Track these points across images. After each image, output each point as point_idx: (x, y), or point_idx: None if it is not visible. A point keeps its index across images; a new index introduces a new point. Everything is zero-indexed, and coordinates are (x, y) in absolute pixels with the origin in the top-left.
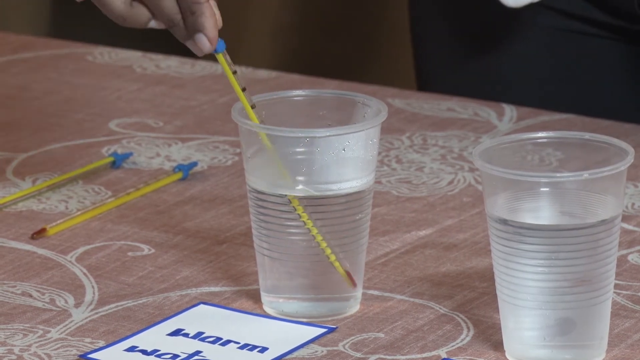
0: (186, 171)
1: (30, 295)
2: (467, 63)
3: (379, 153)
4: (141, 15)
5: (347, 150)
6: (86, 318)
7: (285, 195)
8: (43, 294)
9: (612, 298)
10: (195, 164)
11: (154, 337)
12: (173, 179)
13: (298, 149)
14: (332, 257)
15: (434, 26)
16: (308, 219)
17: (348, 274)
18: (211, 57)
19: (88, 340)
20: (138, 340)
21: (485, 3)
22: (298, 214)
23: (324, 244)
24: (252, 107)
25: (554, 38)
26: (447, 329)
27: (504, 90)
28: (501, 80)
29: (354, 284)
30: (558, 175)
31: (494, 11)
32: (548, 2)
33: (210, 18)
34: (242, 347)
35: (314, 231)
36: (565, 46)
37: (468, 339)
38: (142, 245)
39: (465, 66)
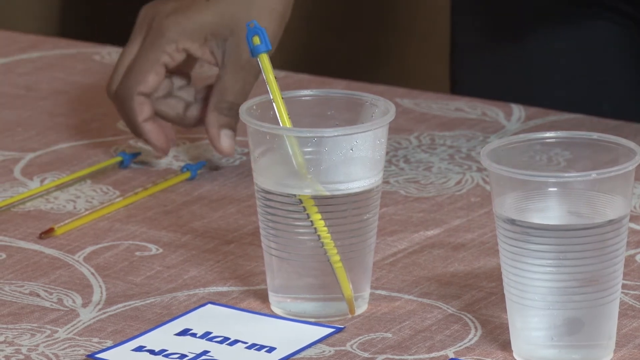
0: (194, 171)
1: (38, 295)
2: (500, 65)
3: (387, 153)
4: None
5: (355, 150)
6: (94, 318)
7: (294, 195)
8: (51, 293)
9: (620, 298)
10: (203, 163)
11: (162, 337)
12: (181, 179)
13: (306, 149)
14: (342, 277)
15: (471, 32)
16: (320, 220)
17: (350, 301)
18: None
19: (96, 340)
20: (146, 340)
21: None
22: (307, 214)
23: (333, 252)
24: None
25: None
26: (454, 329)
27: (533, 92)
28: (534, 82)
29: (353, 313)
30: (566, 175)
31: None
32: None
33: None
34: (249, 347)
35: (323, 232)
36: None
37: (476, 339)
38: (150, 245)
39: (499, 68)
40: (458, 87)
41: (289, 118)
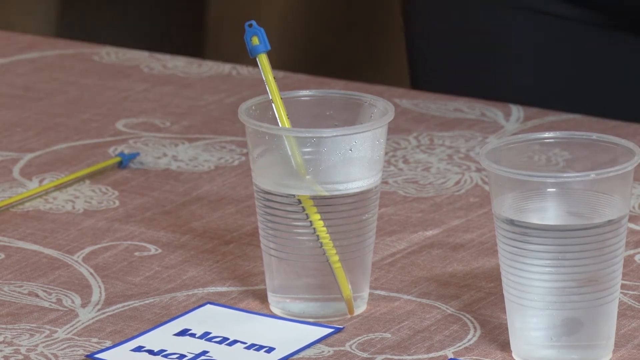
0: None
1: (37, 295)
2: (460, 61)
3: (386, 153)
4: None
5: (353, 151)
6: (93, 318)
7: (293, 195)
8: (50, 294)
9: (619, 298)
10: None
11: (161, 337)
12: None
13: (305, 149)
14: (341, 277)
15: (428, 23)
16: (319, 220)
17: (350, 301)
18: (218, 57)
19: (95, 340)
20: (145, 340)
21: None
22: (306, 214)
23: (332, 252)
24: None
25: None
26: (453, 329)
27: (503, 90)
28: (499, 79)
29: (352, 312)
30: (565, 175)
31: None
32: None
33: None
34: (248, 347)
35: (322, 233)
36: (567, 40)
37: (475, 339)
38: (149, 245)
39: (459, 64)
40: (419, 82)
41: (288, 118)
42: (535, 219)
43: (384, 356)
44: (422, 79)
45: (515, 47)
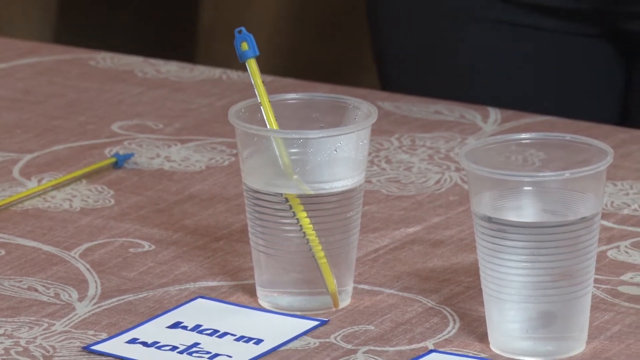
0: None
1: (36, 290)
2: (427, 61)
3: (369, 153)
4: None
5: (338, 151)
6: (89, 311)
7: (281, 194)
8: (48, 288)
9: (592, 292)
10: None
11: (154, 330)
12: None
13: (292, 150)
14: (327, 272)
15: (394, 24)
16: (305, 218)
17: (335, 295)
18: (209, 62)
19: (91, 332)
20: (139, 332)
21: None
22: (293, 212)
23: (318, 248)
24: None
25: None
26: (434, 321)
27: (469, 89)
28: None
29: (337, 306)
30: (541, 174)
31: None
32: None
33: None
34: (238, 339)
35: (309, 230)
36: (525, 42)
37: (454, 331)
38: (143, 242)
39: (426, 64)
40: (388, 84)
41: (276, 120)
42: (512, 217)
43: (367, 347)
44: (391, 82)
45: (475, 57)
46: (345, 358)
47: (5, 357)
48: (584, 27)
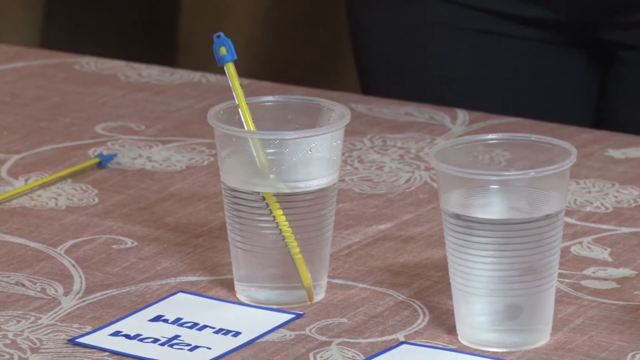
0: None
1: (23, 285)
2: (405, 66)
3: (343, 154)
4: None
5: (313, 151)
6: (74, 305)
7: (258, 192)
8: (35, 283)
9: (556, 286)
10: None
11: (137, 323)
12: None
13: (269, 150)
14: (302, 267)
15: (370, 33)
16: (281, 215)
17: (309, 289)
18: (189, 66)
19: (76, 325)
20: (122, 325)
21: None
22: (270, 210)
23: (294, 244)
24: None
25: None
26: (405, 314)
27: (446, 91)
28: (440, 81)
29: (311, 300)
30: (507, 173)
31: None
32: (480, 3)
33: None
34: (217, 332)
35: (285, 227)
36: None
37: (424, 323)
38: (126, 239)
39: (404, 68)
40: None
41: (253, 122)
42: (479, 214)
43: (340, 339)
44: (371, 91)
45: (451, 66)
46: (319, 349)
47: None
48: (559, 35)
